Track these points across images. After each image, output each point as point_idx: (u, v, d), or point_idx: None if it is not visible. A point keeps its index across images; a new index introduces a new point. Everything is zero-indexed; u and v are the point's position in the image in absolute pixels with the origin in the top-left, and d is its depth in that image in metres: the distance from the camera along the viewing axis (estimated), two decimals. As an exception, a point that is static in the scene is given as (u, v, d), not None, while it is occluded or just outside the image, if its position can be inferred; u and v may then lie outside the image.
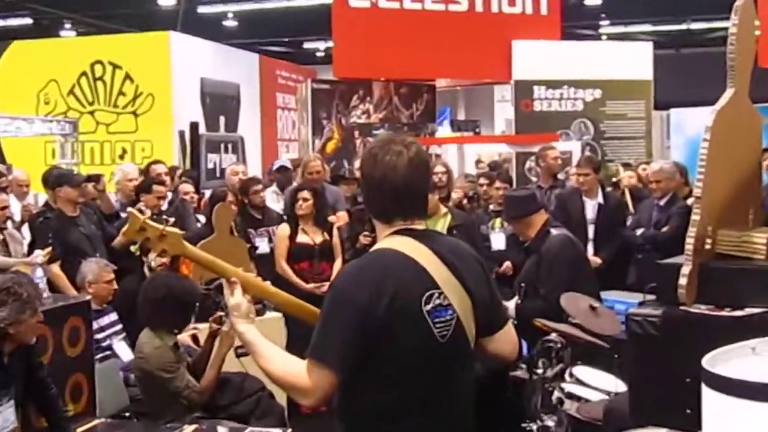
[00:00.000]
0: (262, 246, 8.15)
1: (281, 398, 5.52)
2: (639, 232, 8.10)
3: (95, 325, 5.72)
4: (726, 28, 3.52)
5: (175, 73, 15.36)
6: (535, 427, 4.63)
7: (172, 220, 3.18)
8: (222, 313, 5.39)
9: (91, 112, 15.58)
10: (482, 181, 9.10)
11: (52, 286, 6.41)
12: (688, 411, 3.08)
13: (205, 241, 6.84)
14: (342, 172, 10.96)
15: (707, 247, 3.44)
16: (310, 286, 7.38)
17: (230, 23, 19.79)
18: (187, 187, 9.11)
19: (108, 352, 6.00)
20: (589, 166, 8.42)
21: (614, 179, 9.79)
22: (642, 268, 7.93)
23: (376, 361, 2.65)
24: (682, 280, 3.37)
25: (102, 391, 5.41)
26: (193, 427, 4.86)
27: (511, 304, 5.68)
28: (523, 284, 5.82)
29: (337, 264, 7.57)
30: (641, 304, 3.56)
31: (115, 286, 6.26)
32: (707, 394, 2.28)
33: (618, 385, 4.78)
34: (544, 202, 8.00)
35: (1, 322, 4.11)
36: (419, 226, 2.82)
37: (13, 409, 4.28)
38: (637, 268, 8.11)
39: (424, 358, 2.69)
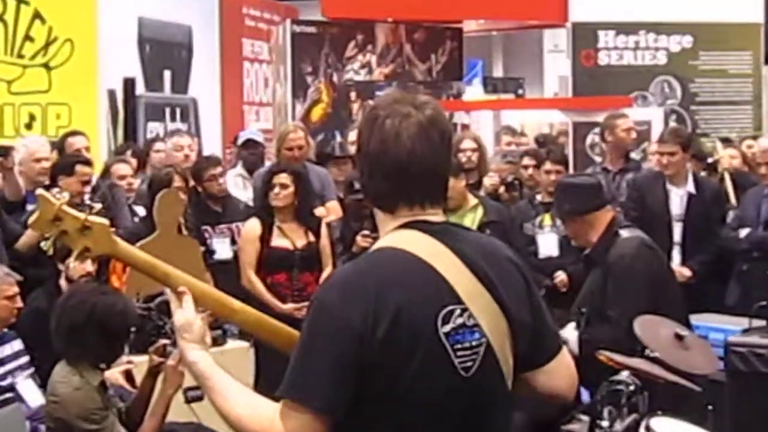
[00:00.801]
0: (222, 249, 8.17)
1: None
2: (743, 232, 8.11)
3: (-9, 358, 5.73)
4: None
5: (102, 11, 15.32)
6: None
7: (98, 205, 3.16)
8: (167, 342, 5.39)
9: (-14, 65, 15.57)
10: (526, 161, 9.10)
11: None
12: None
13: (144, 242, 6.85)
14: (332, 148, 10.98)
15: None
16: (289, 306, 7.40)
17: (179, -58, 19.78)
18: (123, 169, 9.09)
19: (9, 394, 6.01)
20: (676, 141, 8.41)
21: (710, 160, 9.79)
22: (747, 283, 7.93)
23: (374, 403, 2.66)
24: (803, 298, 3.39)
25: (0, 449, 5.42)
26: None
27: (570, 335, 5.69)
28: (583, 309, 5.84)
29: (326, 274, 7.57)
30: (746, 331, 3.58)
31: (19, 304, 6.26)
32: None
33: (713, 444, 4.79)
34: (612, 193, 8.03)
35: None
36: (436, 217, 2.83)
37: None
38: (741, 282, 8.11)
39: (441, 398, 2.70)
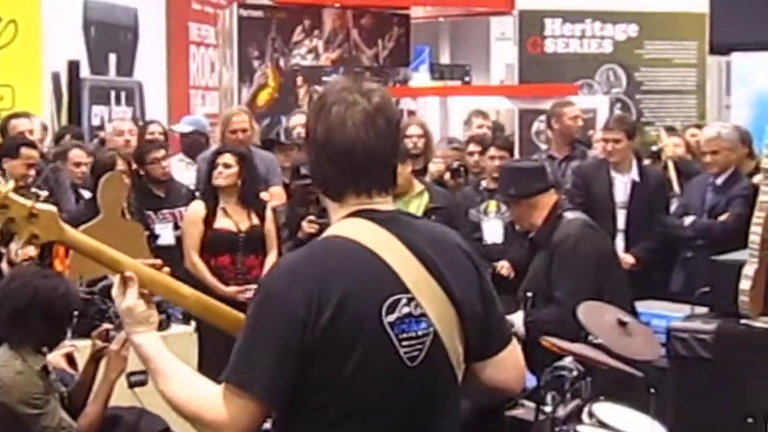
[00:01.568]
0: (165, 234, 8.14)
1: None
2: (688, 220, 8.16)
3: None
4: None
5: (46, -9, 15.20)
6: (541, 485, 4.67)
7: (44, 193, 3.15)
8: (110, 326, 5.36)
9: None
10: (472, 147, 9.12)
11: None
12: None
13: (87, 226, 6.79)
14: (277, 132, 10.94)
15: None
16: (232, 289, 7.38)
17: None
18: (78, 155, 8.97)
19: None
20: (621, 129, 8.46)
21: (654, 148, 9.85)
22: (691, 270, 8.00)
23: (317, 390, 2.67)
24: (744, 284, 3.42)
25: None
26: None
27: (517, 320, 5.72)
28: (529, 293, 5.86)
29: (271, 259, 7.57)
30: (689, 317, 3.60)
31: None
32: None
33: (655, 430, 4.82)
34: (557, 179, 8.07)
35: None
36: (384, 205, 2.83)
37: None
38: (685, 269, 8.18)
39: (385, 388, 2.70)
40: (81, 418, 5.14)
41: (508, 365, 2.96)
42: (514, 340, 3.00)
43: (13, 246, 3.46)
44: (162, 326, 6.47)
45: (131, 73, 17.01)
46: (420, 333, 2.72)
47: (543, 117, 10.21)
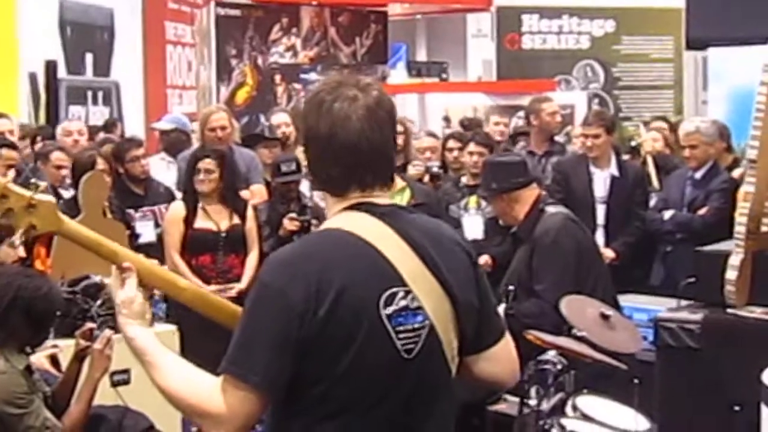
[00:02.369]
0: (146, 233, 8.12)
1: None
2: (667, 215, 8.19)
3: None
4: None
5: (22, -9, 15.15)
6: (525, 479, 4.69)
7: (43, 184, 3.11)
8: (92, 325, 5.35)
9: None
10: (451, 144, 9.13)
11: None
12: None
13: (69, 225, 6.78)
14: (260, 129, 10.95)
15: (765, 229, 3.50)
16: (213, 288, 7.36)
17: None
18: (60, 157, 8.92)
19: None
20: (599, 124, 8.49)
21: (633, 143, 9.88)
22: (671, 265, 8.03)
23: (315, 382, 2.68)
24: (731, 274, 3.43)
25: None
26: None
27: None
28: (511, 287, 5.88)
29: (252, 258, 7.59)
30: (676, 308, 3.62)
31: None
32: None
33: (638, 422, 4.84)
34: (538, 174, 8.09)
35: None
36: (382, 199, 2.85)
37: None
38: (665, 264, 8.21)
39: (383, 380, 2.72)
40: (65, 417, 5.12)
41: (502, 359, 2.99)
42: (508, 335, 3.02)
43: (13, 239, 3.40)
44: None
45: (108, 73, 16.98)
46: (416, 326, 2.74)
47: (521, 113, 10.23)
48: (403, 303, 2.72)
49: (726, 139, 8.75)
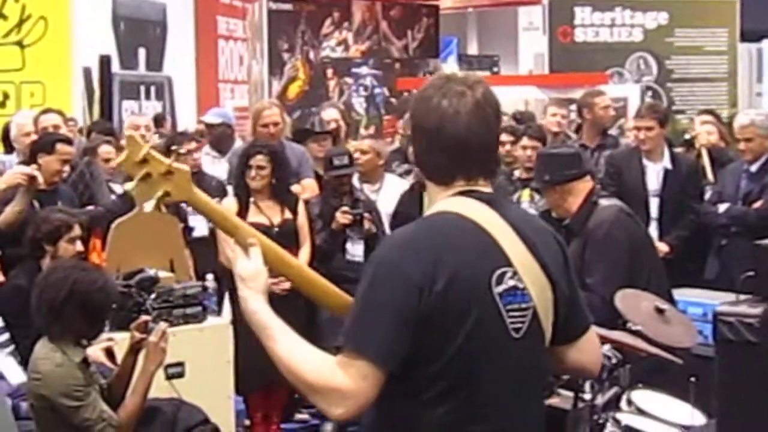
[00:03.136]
0: (200, 226, 8.14)
1: (230, 435, 5.54)
2: (722, 208, 8.13)
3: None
4: None
5: (76, -12, 15.25)
6: (580, 473, 4.67)
7: (183, 149, 3.13)
8: (148, 318, 5.38)
9: (-41, 43, 15.48)
10: (504, 138, 9.10)
11: None
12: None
13: (125, 219, 6.79)
14: (311, 124, 10.97)
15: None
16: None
17: None
18: (108, 150, 8.99)
19: (-11, 373, 6.00)
20: (653, 117, 8.43)
21: (687, 136, 9.81)
22: (725, 258, 7.97)
23: (429, 360, 2.74)
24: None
25: (-19, 427, 5.40)
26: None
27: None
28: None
29: (304, 252, 7.58)
30: (735, 302, 3.58)
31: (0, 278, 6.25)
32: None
33: (695, 417, 4.81)
34: (591, 166, 8.05)
35: None
36: (486, 188, 2.93)
37: None
38: (719, 257, 8.14)
39: (494, 358, 2.79)
40: (120, 409, 5.16)
41: (589, 348, 3.09)
42: (593, 327, 3.11)
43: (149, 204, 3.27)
44: (198, 319, 6.57)
45: (161, 68, 17.10)
46: (524, 306, 2.82)
47: (574, 107, 10.19)
48: (511, 282, 2.81)
49: (782, 131, 8.67)
